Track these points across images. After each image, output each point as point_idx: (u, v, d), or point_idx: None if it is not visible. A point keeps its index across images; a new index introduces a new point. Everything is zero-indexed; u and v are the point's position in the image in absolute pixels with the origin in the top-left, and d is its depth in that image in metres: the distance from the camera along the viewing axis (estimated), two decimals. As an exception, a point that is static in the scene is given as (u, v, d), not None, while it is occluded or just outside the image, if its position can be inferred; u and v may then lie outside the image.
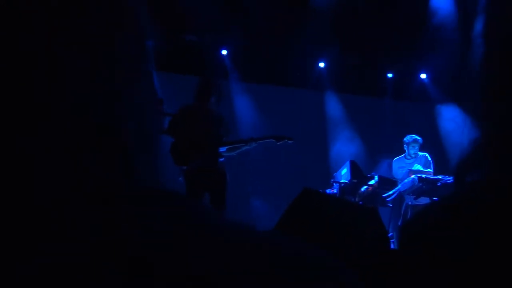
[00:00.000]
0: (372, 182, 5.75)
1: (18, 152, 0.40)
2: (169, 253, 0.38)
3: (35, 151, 0.41)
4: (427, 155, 5.90)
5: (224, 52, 7.64)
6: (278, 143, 4.68)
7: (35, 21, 0.43)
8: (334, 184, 5.92)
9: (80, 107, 0.44)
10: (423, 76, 8.11)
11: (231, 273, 0.38)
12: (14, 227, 0.40)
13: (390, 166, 7.49)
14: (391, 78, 8.14)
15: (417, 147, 5.88)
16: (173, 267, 0.38)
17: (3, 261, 0.38)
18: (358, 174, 5.81)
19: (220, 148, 4.64)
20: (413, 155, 5.88)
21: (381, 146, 7.78)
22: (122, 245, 0.39)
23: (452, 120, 7.59)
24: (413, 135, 5.96)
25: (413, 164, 5.84)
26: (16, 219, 0.40)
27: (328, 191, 5.99)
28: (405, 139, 5.97)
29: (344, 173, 5.96)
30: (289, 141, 4.68)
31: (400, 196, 5.64)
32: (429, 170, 5.66)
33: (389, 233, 5.51)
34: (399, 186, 5.69)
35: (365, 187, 5.77)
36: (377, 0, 6.87)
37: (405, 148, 5.97)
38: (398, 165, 5.99)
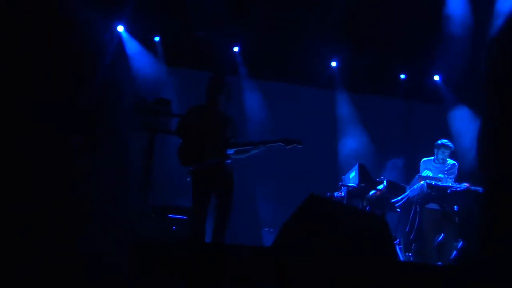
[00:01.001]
0: (380, 186, 5.69)
1: (18, 152, 0.37)
2: None
3: (35, 151, 0.38)
4: (455, 163, 5.79)
5: (235, 49, 7.59)
6: (287, 147, 4.63)
7: (35, 22, 0.40)
8: (342, 187, 5.87)
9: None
10: (436, 78, 8.00)
11: None
12: (14, 226, 0.37)
13: (394, 166, 7.42)
14: (404, 79, 8.04)
15: (447, 153, 5.79)
16: None
17: (3, 261, 0.35)
18: (367, 178, 5.75)
19: (228, 150, 4.61)
20: (441, 160, 5.80)
21: (391, 148, 7.71)
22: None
23: (463, 122, 7.50)
24: (445, 140, 5.87)
25: (440, 169, 5.76)
26: (16, 219, 0.37)
27: (336, 194, 5.94)
28: (436, 142, 5.89)
29: (352, 177, 5.90)
30: (299, 146, 4.63)
31: (408, 202, 5.58)
32: (450, 179, 5.56)
33: (396, 239, 5.46)
34: (408, 191, 5.62)
35: (373, 191, 5.72)
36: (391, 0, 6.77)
37: (435, 152, 5.88)
38: (425, 166, 5.91)
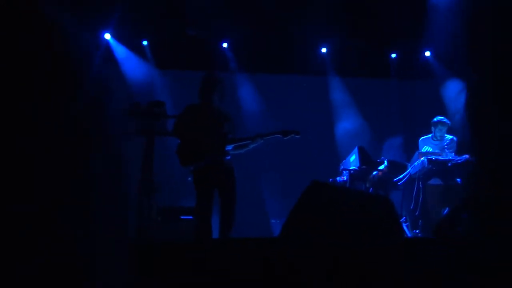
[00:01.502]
0: (381, 167, 5.71)
1: (18, 152, 0.39)
2: None
3: (35, 151, 0.40)
4: (454, 138, 5.82)
5: (224, 45, 7.59)
6: (285, 138, 4.65)
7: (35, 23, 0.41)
8: (344, 171, 5.89)
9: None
10: (427, 53, 7.99)
11: None
12: (15, 226, 0.39)
13: (392, 145, 7.43)
14: (395, 58, 8.04)
15: (444, 130, 5.81)
16: None
17: (3, 261, 0.37)
18: (367, 160, 5.77)
19: (227, 147, 4.62)
20: (439, 137, 5.82)
21: (389, 128, 7.72)
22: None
23: (456, 95, 7.51)
24: (441, 117, 5.89)
25: (439, 146, 5.78)
26: (16, 219, 0.39)
27: (338, 178, 5.96)
28: (432, 120, 5.91)
29: (353, 160, 5.92)
30: (296, 136, 4.65)
31: (411, 179, 5.60)
32: (450, 153, 5.58)
33: (402, 217, 5.48)
34: (409, 169, 5.65)
35: (375, 172, 5.74)
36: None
37: (432, 130, 5.90)
38: (424, 144, 5.93)
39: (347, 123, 7.82)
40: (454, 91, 7.57)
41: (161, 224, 4.87)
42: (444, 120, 5.86)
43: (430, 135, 5.93)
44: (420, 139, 6.03)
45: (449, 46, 6.92)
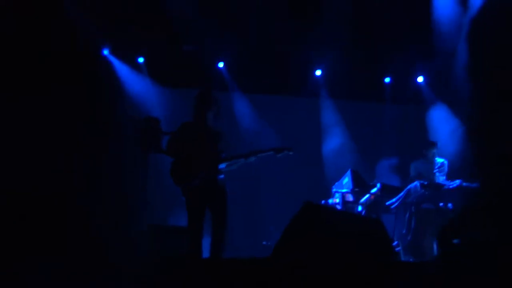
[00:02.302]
0: (374, 190, 5.71)
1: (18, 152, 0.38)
2: None
3: (35, 150, 0.38)
4: (445, 161, 5.85)
5: (220, 64, 7.64)
6: (278, 156, 4.65)
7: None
8: (336, 193, 5.89)
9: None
10: (420, 79, 8.09)
11: None
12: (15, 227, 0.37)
13: (385, 168, 7.46)
14: (389, 83, 8.12)
15: (434, 151, 5.86)
16: None
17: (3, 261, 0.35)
18: (360, 182, 5.78)
19: (220, 165, 4.61)
20: (430, 160, 5.86)
21: (382, 150, 7.76)
22: None
23: (442, 120, 7.61)
24: (431, 140, 5.96)
25: (430, 169, 5.81)
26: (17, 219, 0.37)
27: (330, 200, 5.96)
28: (422, 143, 5.97)
29: (345, 183, 5.93)
30: (289, 152, 4.65)
31: (403, 203, 5.61)
32: (441, 177, 5.62)
33: (394, 242, 5.46)
34: (402, 193, 5.65)
35: (367, 195, 5.74)
36: (373, 5, 6.86)
37: (423, 152, 5.94)
38: (416, 167, 5.95)
39: (340, 145, 7.85)
40: (440, 116, 7.68)
41: (151, 242, 4.81)
42: (434, 142, 5.93)
43: (421, 159, 5.97)
44: (412, 162, 6.06)
45: (442, 73, 7.02)
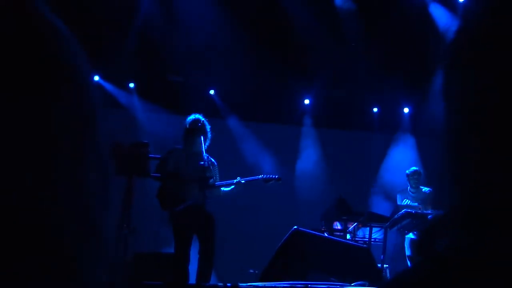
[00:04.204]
0: (361, 218, 5.72)
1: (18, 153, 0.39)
2: None
3: (35, 151, 0.40)
4: (430, 190, 5.88)
5: (211, 91, 7.74)
6: (266, 184, 4.68)
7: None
8: (324, 221, 5.89)
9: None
10: (405, 110, 8.23)
11: None
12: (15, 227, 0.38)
13: (373, 195, 7.50)
14: (377, 112, 8.26)
15: (419, 179, 5.89)
16: None
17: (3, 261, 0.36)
18: (347, 210, 5.79)
19: (208, 192, 4.61)
20: (414, 188, 5.89)
21: (369, 178, 7.81)
22: None
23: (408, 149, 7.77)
24: (414, 168, 6.00)
25: (416, 198, 5.83)
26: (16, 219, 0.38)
27: (317, 229, 5.94)
28: (406, 171, 6.00)
29: (333, 210, 5.94)
30: (278, 181, 4.68)
31: (390, 232, 5.61)
32: (427, 206, 5.63)
33: (384, 264, 5.41)
34: (388, 222, 5.67)
35: (355, 223, 5.75)
36: (362, 36, 7.02)
37: (408, 181, 5.98)
38: (402, 196, 5.98)
39: (328, 172, 7.89)
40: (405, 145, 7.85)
41: (137, 269, 4.75)
42: (417, 170, 5.97)
43: (407, 187, 6.02)
44: (398, 191, 6.10)
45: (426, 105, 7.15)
